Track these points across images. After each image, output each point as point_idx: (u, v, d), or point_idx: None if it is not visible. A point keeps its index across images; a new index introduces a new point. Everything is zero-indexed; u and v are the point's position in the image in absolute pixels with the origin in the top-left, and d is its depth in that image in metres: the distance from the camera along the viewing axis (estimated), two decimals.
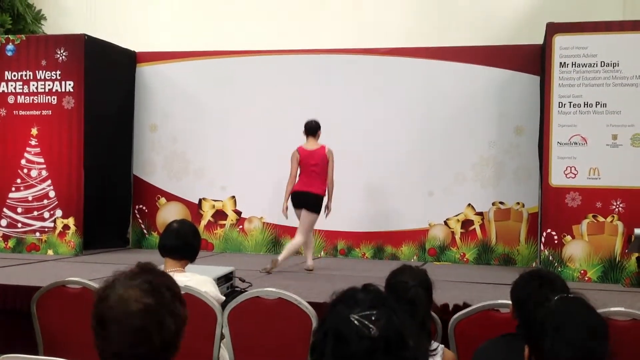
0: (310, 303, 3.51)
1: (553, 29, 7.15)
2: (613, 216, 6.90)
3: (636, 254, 6.46)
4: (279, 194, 8.65)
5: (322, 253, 8.62)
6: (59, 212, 8.15)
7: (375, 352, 1.51)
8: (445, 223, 8.33)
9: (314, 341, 1.59)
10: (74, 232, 8.10)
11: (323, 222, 8.59)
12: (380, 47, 8.61)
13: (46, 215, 8.18)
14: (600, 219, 6.93)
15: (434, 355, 2.81)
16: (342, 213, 8.46)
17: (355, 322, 1.53)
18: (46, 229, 8.17)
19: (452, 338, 3.37)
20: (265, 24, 9.48)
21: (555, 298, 1.99)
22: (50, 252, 8.11)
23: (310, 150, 7.07)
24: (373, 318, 1.54)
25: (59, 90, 8.18)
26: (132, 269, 1.85)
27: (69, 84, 8.16)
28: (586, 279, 6.88)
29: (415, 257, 8.31)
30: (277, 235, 8.78)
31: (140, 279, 1.80)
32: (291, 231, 8.68)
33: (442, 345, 2.90)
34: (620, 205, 6.88)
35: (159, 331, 1.76)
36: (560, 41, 7.09)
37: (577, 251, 6.96)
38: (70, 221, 8.11)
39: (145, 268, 1.86)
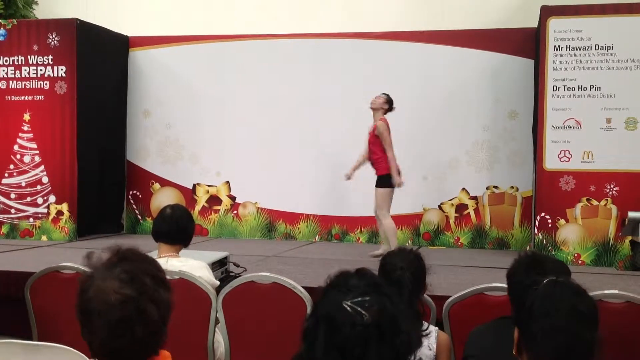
0: (305, 288, 3.51)
1: (547, 12, 7.12)
2: (607, 200, 6.92)
3: (629, 237, 6.49)
4: (273, 179, 8.68)
5: (316, 238, 8.63)
6: (52, 198, 8.12)
7: (369, 338, 1.50)
8: (440, 207, 8.34)
9: (306, 327, 1.58)
10: (67, 218, 8.08)
11: (317, 207, 8.63)
12: (374, 31, 8.58)
13: (40, 201, 8.16)
14: (594, 202, 6.95)
15: (428, 336, 2.82)
16: (337, 198, 8.48)
17: (348, 308, 1.53)
18: (40, 215, 8.15)
19: (446, 321, 3.38)
20: (259, 8, 9.42)
21: (544, 282, 1.97)
22: (44, 238, 8.10)
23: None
24: (366, 305, 1.53)
25: (51, 75, 8.13)
26: (110, 257, 1.82)
27: (61, 69, 8.11)
28: (580, 262, 6.91)
29: (409, 242, 8.32)
30: (271, 221, 8.78)
31: (119, 268, 1.78)
32: (285, 216, 8.70)
33: (436, 328, 2.91)
34: (614, 188, 6.89)
35: (141, 321, 1.74)
36: (554, 24, 7.07)
37: (571, 235, 6.98)
38: (64, 207, 8.09)
39: (124, 256, 1.82)
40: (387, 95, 7.04)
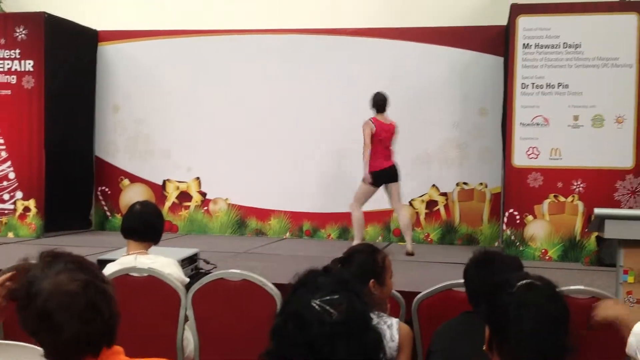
0: (275, 284, 3.51)
1: (517, 10, 7.19)
2: (573, 196, 7.01)
3: (596, 233, 6.58)
4: (244, 175, 8.65)
5: (287, 234, 8.63)
6: (19, 194, 8.01)
7: (337, 336, 1.51)
8: (410, 203, 8.38)
9: (274, 326, 1.58)
10: (35, 214, 7.97)
11: (288, 204, 8.62)
12: (346, 28, 8.59)
13: (6, 197, 8.04)
14: (561, 198, 7.04)
15: (390, 328, 2.84)
16: (308, 194, 8.48)
17: (317, 307, 1.53)
18: (6, 211, 8.03)
19: (415, 317, 3.40)
20: (231, 4, 9.36)
21: (518, 284, 1.98)
22: (10, 234, 7.98)
23: (387, 124, 7.02)
24: (335, 303, 1.54)
25: (19, 69, 8.01)
26: (42, 259, 1.81)
27: (29, 63, 7.99)
28: (547, 257, 7.00)
29: (380, 238, 8.36)
30: (242, 217, 8.75)
31: (60, 263, 1.78)
32: (256, 212, 8.68)
33: (397, 319, 2.93)
34: (581, 185, 6.99)
35: (104, 301, 1.77)
36: (523, 22, 7.14)
37: (539, 231, 7.06)
38: (31, 203, 7.98)
39: (55, 254, 1.83)
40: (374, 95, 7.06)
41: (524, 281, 2.00)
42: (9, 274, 2.06)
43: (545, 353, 1.90)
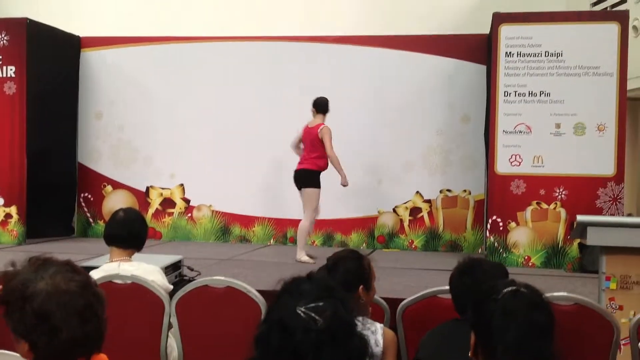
0: (259, 291, 3.50)
1: (499, 19, 7.25)
2: (556, 203, 7.07)
3: (578, 240, 6.63)
4: (228, 182, 8.63)
5: (271, 241, 8.61)
6: (0, 201, 7.94)
7: (322, 343, 1.51)
8: (394, 210, 8.41)
9: (259, 333, 1.58)
10: (16, 221, 7.91)
11: (272, 210, 8.61)
12: (329, 35, 8.61)
13: None
14: (544, 206, 7.09)
15: (374, 333, 2.85)
16: (292, 201, 8.46)
17: (302, 314, 1.53)
18: None
19: (400, 324, 3.41)
20: (215, 10, 9.38)
21: (504, 291, 1.99)
22: None
23: (309, 127, 7.00)
24: (319, 310, 1.54)
25: (0, 75, 7.95)
26: (32, 264, 1.80)
27: (11, 69, 7.94)
28: (530, 264, 7.04)
29: (364, 245, 8.37)
30: (226, 224, 8.73)
31: (52, 266, 1.79)
32: (240, 219, 8.67)
33: (382, 325, 2.94)
34: (563, 192, 7.04)
35: (99, 303, 1.79)
36: (505, 31, 7.20)
37: (522, 237, 7.11)
38: (13, 210, 7.91)
39: (45, 259, 1.84)
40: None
41: (510, 288, 2.01)
42: None
43: (529, 358, 1.91)
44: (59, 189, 8.69)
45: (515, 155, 7.14)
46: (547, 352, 1.92)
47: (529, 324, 1.93)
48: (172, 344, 3.67)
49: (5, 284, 1.79)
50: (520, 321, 1.92)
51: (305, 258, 6.82)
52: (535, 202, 7.10)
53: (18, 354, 2.23)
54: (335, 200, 7.87)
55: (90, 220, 9.02)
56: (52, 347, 1.72)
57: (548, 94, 7.11)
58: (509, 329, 1.91)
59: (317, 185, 6.89)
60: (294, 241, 8.53)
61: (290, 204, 8.43)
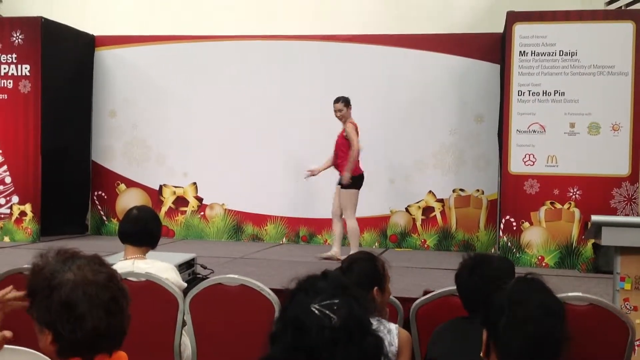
0: (272, 290, 3.50)
1: (513, 17, 7.22)
2: (570, 203, 7.03)
3: (592, 240, 6.60)
4: (240, 180, 8.64)
5: (283, 240, 8.62)
6: (15, 199, 8.00)
7: (337, 341, 1.51)
8: (407, 210, 8.39)
9: (274, 331, 1.58)
10: (31, 219, 7.96)
11: (285, 209, 8.62)
12: (341, 34, 8.61)
13: (2, 201, 8.02)
14: (558, 205, 7.05)
15: (389, 333, 2.85)
16: (304, 200, 8.48)
17: (317, 312, 1.53)
18: (2, 216, 8.02)
19: (413, 323, 3.40)
20: (228, 10, 9.38)
21: (513, 280, 2.02)
22: (6, 239, 7.96)
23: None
24: (334, 307, 1.54)
25: (15, 74, 8.01)
26: (60, 256, 1.82)
27: (26, 68, 7.99)
28: (544, 264, 7.01)
29: (376, 244, 8.36)
30: (238, 222, 8.75)
31: (81, 258, 1.81)
32: (252, 218, 8.68)
33: (396, 325, 2.94)
34: (577, 192, 7.00)
35: (124, 298, 1.80)
36: (520, 30, 7.16)
37: (535, 237, 7.07)
38: (27, 207, 7.97)
39: (73, 252, 1.85)
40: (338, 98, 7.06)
41: (518, 275, 2.04)
42: (8, 289, 2.07)
43: (540, 341, 1.89)
44: (73, 187, 8.75)
45: (529, 155, 7.11)
46: (557, 333, 1.90)
47: (538, 302, 1.94)
48: (186, 341, 3.68)
49: (33, 274, 1.80)
50: (530, 299, 1.95)
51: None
52: (549, 202, 7.07)
53: (33, 350, 2.25)
54: None
55: (104, 218, 9.06)
56: (76, 338, 1.73)
57: (562, 93, 7.07)
58: (518, 308, 1.91)
59: (355, 186, 6.96)
60: (306, 240, 8.54)
61: (302, 203, 8.46)
